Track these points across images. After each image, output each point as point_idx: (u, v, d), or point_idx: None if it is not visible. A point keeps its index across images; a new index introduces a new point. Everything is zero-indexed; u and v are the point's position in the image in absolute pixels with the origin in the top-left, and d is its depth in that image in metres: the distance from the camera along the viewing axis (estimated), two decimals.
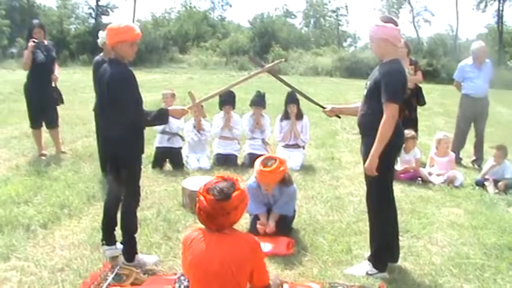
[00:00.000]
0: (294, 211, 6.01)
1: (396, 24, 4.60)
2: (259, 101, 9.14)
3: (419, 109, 9.67)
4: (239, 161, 9.14)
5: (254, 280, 3.71)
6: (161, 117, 4.98)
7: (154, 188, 7.53)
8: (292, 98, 9.01)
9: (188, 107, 5.29)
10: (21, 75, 9.19)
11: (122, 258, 5.02)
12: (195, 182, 6.77)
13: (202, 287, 3.60)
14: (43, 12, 50.42)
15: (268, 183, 5.62)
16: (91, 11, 51.89)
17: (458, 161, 9.21)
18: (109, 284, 4.52)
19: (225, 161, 8.96)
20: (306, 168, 8.85)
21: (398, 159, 8.37)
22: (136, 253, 5.02)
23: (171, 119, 8.30)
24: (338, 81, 33.37)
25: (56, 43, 43.72)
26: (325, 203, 6.96)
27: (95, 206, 6.58)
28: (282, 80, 5.55)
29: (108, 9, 52.34)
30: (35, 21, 9.24)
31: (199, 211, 3.60)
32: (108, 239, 5.14)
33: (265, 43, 44.81)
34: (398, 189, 7.60)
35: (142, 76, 30.71)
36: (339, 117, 5.68)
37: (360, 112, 4.83)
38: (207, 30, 53.13)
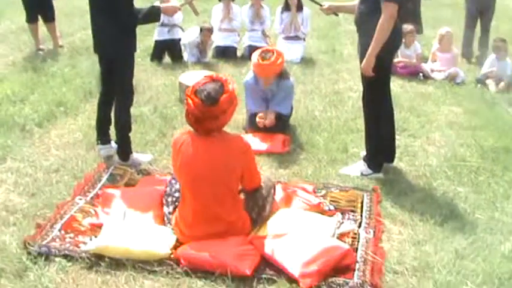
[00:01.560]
0: (291, 108, 5.85)
1: None
2: None
3: (424, 0, 9.26)
4: (238, 53, 8.88)
5: (245, 182, 3.65)
6: (153, 15, 4.79)
7: (152, 82, 7.36)
8: None
9: (180, 4, 5.06)
10: None
11: (116, 158, 4.96)
12: (192, 77, 6.58)
13: (192, 190, 3.54)
14: None
15: (267, 76, 5.44)
16: None
17: (467, 56, 8.92)
18: (103, 185, 4.47)
19: (224, 53, 8.71)
20: (306, 61, 8.61)
21: (399, 53, 8.11)
22: (131, 152, 4.96)
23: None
24: None
25: None
26: (324, 98, 6.81)
27: (91, 102, 6.39)
28: None
29: None
30: None
31: (188, 114, 3.47)
32: (103, 138, 5.06)
33: None
34: (398, 85, 7.42)
35: None
36: (337, 15, 5.41)
37: (357, 10, 4.55)
38: None
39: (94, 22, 4.74)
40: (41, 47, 8.87)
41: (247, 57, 8.43)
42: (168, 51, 8.53)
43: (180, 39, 8.54)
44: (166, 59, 8.55)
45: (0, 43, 9.23)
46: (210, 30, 8.48)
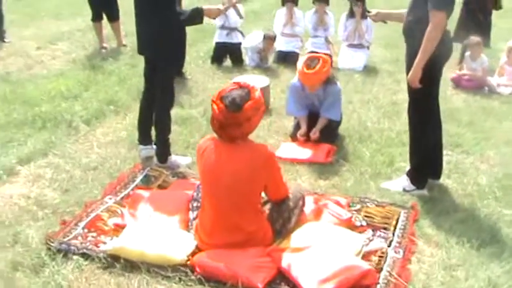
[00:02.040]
0: (341, 115, 5.68)
1: None
2: None
3: (496, 12, 8.83)
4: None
5: (270, 193, 3.56)
6: (195, 17, 4.70)
7: (208, 84, 7.35)
8: None
9: (225, 7, 4.99)
10: None
11: (155, 159, 4.94)
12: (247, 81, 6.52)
13: (212, 198, 3.47)
14: None
15: (313, 84, 5.31)
16: None
17: None
18: (136, 186, 4.46)
19: (285, 58, 8.60)
20: (369, 70, 8.38)
21: (464, 65, 7.75)
22: (170, 154, 4.92)
23: (230, 12, 8.19)
24: None
25: None
26: (379, 109, 6.58)
27: None
28: None
29: None
30: None
31: (212, 119, 3.40)
32: (144, 138, 5.05)
33: None
34: (461, 99, 7.10)
35: None
36: (385, 22, 5.19)
37: (405, 19, 4.34)
38: None
39: (138, 22, 4.77)
40: (104, 45, 9.06)
41: None
42: (228, 54, 8.51)
43: (240, 43, 8.51)
44: (228, 62, 8.51)
45: (66, 40, 9.50)
46: (273, 38, 8.41)
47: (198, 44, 9.38)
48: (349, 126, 5.90)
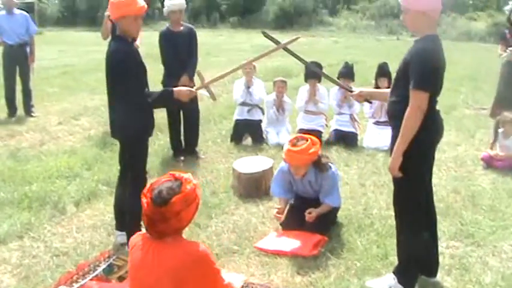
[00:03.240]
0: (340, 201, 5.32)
1: None
2: (347, 73, 8.30)
3: None
4: (324, 138, 8.44)
5: None
6: (164, 98, 4.62)
7: (219, 165, 7.13)
8: (383, 71, 8.17)
9: (196, 88, 4.83)
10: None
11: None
12: (248, 163, 6.29)
13: None
14: None
15: (296, 164, 4.99)
16: None
17: None
18: (96, 276, 4.21)
19: None
20: None
21: (497, 144, 7.25)
22: None
23: (253, 89, 8.08)
24: (491, 48, 30.73)
25: (207, 4, 44.49)
26: (390, 194, 6.13)
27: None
28: (297, 57, 4.85)
29: None
30: None
31: (142, 214, 3.13)
32: (120, 224, 4.84)
33: None
34: (489, 180, 6.58)
35: (287, 39, 30.43)
36: (370, 102, 4.89)
37: (389, 99, 4.02)
38: None
39: (109, 107, 4.69)
40: None
41: (333, 142, 8.12)
42: (248, 131, 8.33)
43: (260, 120, 8.35)
44: (248, 140, 8.31)
45: (89, 116, 9.62)
46: (284, 82, 8.37)
47: (224, 122, 9.28)
48: (352, 212, 5.51)
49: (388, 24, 40.27)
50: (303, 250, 4.66)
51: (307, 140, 4.92)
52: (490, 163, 7.10)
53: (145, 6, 4.52)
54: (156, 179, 3.23)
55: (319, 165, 5.01)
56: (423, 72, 3.62)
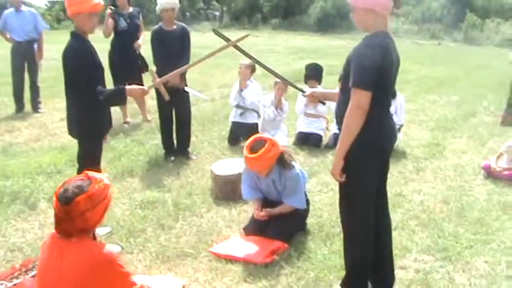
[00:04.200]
0: (308, 203, 5.14)
1: None
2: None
3: None
4: (324, 142, 8.25)
5: None
6: (116, 97, 4.61)
7: (206, 165, 7.00)
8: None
9: (148, 86, 4.75)
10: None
11: None
12: (226, 165, 6.16)
13: None
14: None
15: (258, 170, 4.84)
16: None
17: None
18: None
19: (306, 140, 8.15)
20: (397, 155, 7.65)
21: (505, 155, 6.88)
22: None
23: (246, 92, 7.94)
24: None
25: (249, 6, 44.90)
26: None
27: (127, 181, 6.31)
28: (248, 55, 4.72)
29: None
30: None
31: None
32: None
33: (459, 10, 41.47)
34: (485, 191, 6.28)
35: (326, 41, 30.46)
36: (323, 103, 4.69)
37: (337, 100, 3.84)
38: None
39: (65, 99, 4.65)
40: (128, 120, 9.10)
41: (332, 146, 7.86)
42: (243, 134, 8.19)
43: (256, 124, 8.18)
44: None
45: None
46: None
47: (226, 122, 9.18)
48: (324, 220, 5.29)
49: (431, 29, 39.69)
50: (256, 257, 4.48)
51: (265, 142, 4.72)
52: (490, 173, 6.77)
53: (101, 3, 4.51)
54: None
55: (282, 163, 4.82)
56: (362, 69, 3.41)
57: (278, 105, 8.09)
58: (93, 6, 4.41)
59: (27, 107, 9.98)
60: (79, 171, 4.74)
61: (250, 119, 8.20)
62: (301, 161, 7.20)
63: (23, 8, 9.88)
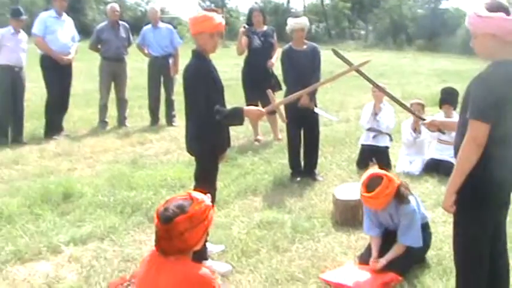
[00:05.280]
0: (429, 236, 4.98)
1: (508, 13, 3.32)
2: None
3: None
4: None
5: None
6: (234, 117, 4.63)
7: (331, 188, 6.90)
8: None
9: (266, 108, 4.72)
10: None
11: None
12: (350, 189, 6.04)
13: None
14: None
15: (375, 208, 4.75)
16: None
17: None
18: None
19: (437, 167, 7.81)
20: None
21: None
22: (206, 259, 4.67)
23: (381, 116, 7.79)
24: None
25: (394, 27, 44.39)
26: None
27: (249, 199, 6.48)
28: (370, 81, 4.62)
29: None
30: (254, 5, 9.34)
31: None
32: None
33: None
34: None
35: (471, 64, 29.08)
36: (443, 132, 4.46)
37: (455, 136, 3.63)
38: None
39: (185, 116, 4.85)
40: (259, 137, 9.26)
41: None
42: (374, 157, 8.01)
43: (387, 147, 8.04)
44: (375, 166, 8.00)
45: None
46: (420, 105, 7.92)
47: (358, 144, 9.03)
48: (444, 253, 5.02)
49: None
50: (367, 287, 4.36)
51: (382, 179, 4.60)
52: None
53: (223, 23, 4.65)
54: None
55: (398, 196, 4.68)
56: (481, 99, 3.27)
57: (416, 127, 7.93)
58: (216, 26, 4.54)
59: (162, 120, 10.47)
60: (195, 189, 4.86)
61: (383, 142, 8.09)
62: (429, 189, 6.97)
63: (160, 24, 10.53)
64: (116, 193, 6.27)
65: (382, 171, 4.80)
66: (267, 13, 8.91)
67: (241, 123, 4.62)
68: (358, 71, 4.67)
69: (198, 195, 3.13)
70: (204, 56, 4.63)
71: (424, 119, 4.31)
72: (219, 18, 4.58)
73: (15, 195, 6.19)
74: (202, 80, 4.50)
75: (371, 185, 4.61)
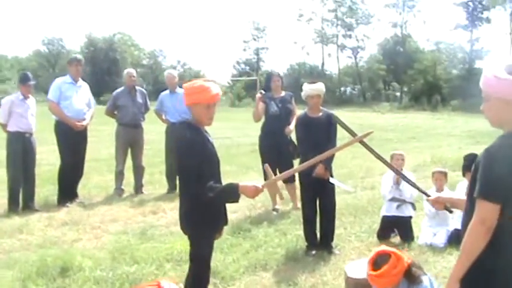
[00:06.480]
0: None
1: None
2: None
3: None
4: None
5: None
6: (228, 194, 4.30)
7: (346, 262, 6.60)
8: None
9: (263, 184, 4.45)
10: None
11: None
12: (363, 265, 5.71)
13: None
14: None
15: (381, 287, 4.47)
16: (465, 55, 50.71)
17: None
18: None
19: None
20: None
21: None
22: None
23: (404, 185, 7.59)
24: None
25: (429, 87, 44.83)
26: None
27: (258, 275, 6.22)
28: (373, 152, 4.49)
29: (482, 53, 50.72)
30: (274, 71, 9.30)
31: None
32: None
33: None
34: None
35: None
36: (450, 211, 4.16)
37: (462, 217, 3.33)
38: None
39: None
40: (277, 207, 9.06)
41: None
42: (396, 228, 7.76)
43: (411, 217, 7.76)
44: (397, 237, 7.73)
45: (248, 201, 9.62)
46: (442, 173, 7.78)
47: (370, 215, 8.76)
48: None
49: None
50: None
51: (389, 257, 4.38)
52: None
53: (220, 93, 4.46)
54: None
55: (409, 276, 4.42)
56: (491, 176, 2.96)
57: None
58: (213, 97, 4.34)
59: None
60: (189, 270, 4.65)
61: (407, 211, 7.84)
62: (452, 263, 6.40)
63: (178, 89, 10.44)
64: (117, 267, 6.09)
65: (391, 249, 4.57)
66: (302, 76, 8.81)
67: (236, 200, 4.32)
68: (361, 142, 4.50)
69: (167, 285, 2.95)
70: (199, 128, 4.40)
71: (428, 195, 4.06)
72: (216, 89, 4.38)
73: (12, 267, 6.07)
74: (194, 155, 4.22)
75: (378, 262, 4.43)
